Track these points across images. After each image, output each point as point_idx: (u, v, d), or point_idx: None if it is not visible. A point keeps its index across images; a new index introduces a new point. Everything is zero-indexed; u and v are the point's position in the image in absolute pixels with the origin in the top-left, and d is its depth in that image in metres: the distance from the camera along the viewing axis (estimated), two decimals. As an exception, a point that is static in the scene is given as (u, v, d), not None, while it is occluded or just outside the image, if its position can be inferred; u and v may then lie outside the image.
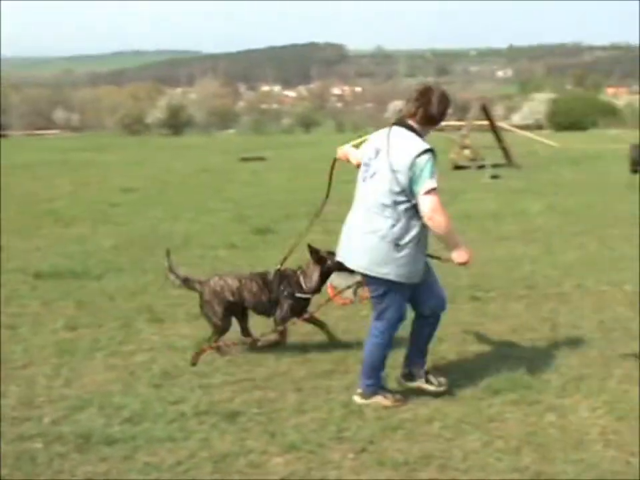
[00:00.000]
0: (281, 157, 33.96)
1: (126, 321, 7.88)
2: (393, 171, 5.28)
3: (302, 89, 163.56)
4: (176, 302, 8.55)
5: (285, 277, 6.75)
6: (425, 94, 5.45)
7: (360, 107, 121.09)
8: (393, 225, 5.33)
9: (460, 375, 6.21)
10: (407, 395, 5.79)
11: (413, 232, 5.36)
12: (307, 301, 6.72)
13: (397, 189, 5.27)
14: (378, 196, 5.37)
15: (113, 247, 12.05)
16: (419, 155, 5.22)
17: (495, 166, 24.93)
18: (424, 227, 5.38)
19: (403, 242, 5.33)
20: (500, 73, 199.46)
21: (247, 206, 16.72)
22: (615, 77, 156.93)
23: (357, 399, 5.64)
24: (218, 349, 6.69)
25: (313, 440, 5.01)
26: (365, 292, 5.96)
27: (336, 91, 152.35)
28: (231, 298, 6.76)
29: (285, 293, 6.67)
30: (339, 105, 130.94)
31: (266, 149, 37.60)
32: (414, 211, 5.32)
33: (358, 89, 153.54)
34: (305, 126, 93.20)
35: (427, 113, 5.42)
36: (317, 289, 6.70)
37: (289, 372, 6.28)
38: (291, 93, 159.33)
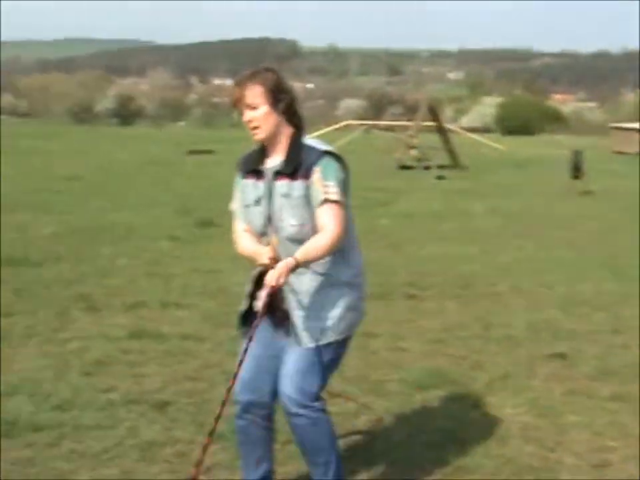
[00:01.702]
0: (229, 150, 33.79)
1: (62, 309, 7.86)
2: None
3: (237, 78, 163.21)
4: (113, 292, 8.57)
5: None
6: None
7: (311, 103, 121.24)
8: None
9: (389, 370, 6.32)
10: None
11: None
12: None
13: None
14: None
15: (53, 235, 11.97)
16: None
17: (440, 167, 25.24)
18: None
19: None
20: (451, 75, 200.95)
21: (192, 198, 16.69)
22: (562, 83, 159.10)
23: None
24: None
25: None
26: None
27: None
28: None
29: None
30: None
31: (215, 142, 37.46)
32: None
33: (310, 86, 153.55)
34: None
35: None
36: None
37: (221, 364, 6.32)
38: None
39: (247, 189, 4.02)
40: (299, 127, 3.96)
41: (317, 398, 3.93)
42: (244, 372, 4.02)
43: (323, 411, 3.95)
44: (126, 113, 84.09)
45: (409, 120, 40.85)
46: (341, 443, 4.94)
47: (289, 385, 3.90)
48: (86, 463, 4.61)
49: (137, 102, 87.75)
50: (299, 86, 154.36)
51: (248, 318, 4.06)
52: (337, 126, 38.17)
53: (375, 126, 44.74)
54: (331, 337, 3.92)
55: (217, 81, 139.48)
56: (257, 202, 3.97)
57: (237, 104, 3.94)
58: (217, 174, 22.89)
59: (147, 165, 25.06)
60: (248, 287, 4.10)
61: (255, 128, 3.86)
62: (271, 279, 3.76)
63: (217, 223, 13.26)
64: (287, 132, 3.92)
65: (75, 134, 45.41)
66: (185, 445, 4.91)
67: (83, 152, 29.84)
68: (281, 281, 3.76)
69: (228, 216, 13.91)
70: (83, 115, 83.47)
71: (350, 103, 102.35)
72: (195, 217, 13.93)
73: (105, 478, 4.48)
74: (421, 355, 6.73)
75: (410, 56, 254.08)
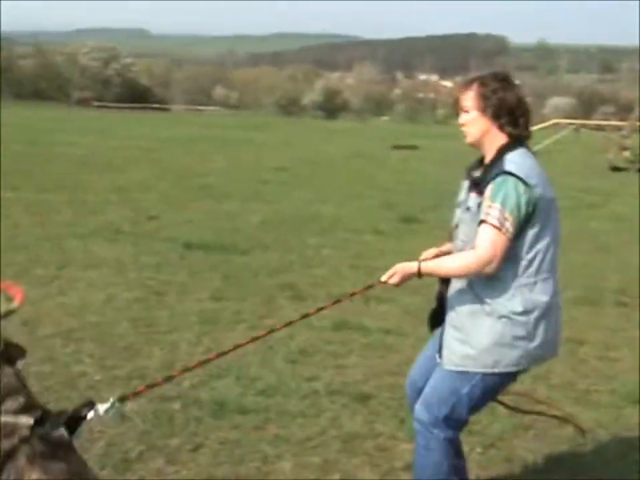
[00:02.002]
0: (433, 146, 33.77)
1: (268, 297, 8.06)
2: None
3: (459, 80, 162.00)
4: (318, 282, 8.71)
5: None
6: None
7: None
8: None
9: (598, 379, 6.07)
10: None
11: None
12: None
13: None
14: None
15: (261, 224, 12.32)
16: None
17: (656, 170, 24.07)
18: None
19: None
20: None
21: (396, 193, 16.74)
22: None
23: None
24: None
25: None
26: None
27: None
28: None
29: None
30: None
31: (419, 137, 37.46)
32: None
33: (517, 83, 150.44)
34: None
35: None
36: None
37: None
38: (447, 83, 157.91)
39: (460, 189, 3.89)
40: (513, 138, 3.64)
41: (439, 424, 3.69)
42: (411, 370, 4.03)
43: (440, 439, 3.70)
44: (331, 107, 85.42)
45: (621, 120, 39.24)
46: (544, 452, 4.80)
47: (421, 398, 3.79)
48: (290, 449, 4.70)
49: (342, 96, 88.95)
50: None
51: (437, 318, 3.94)
52: (545, 124, 37.13)
53: (584, 125, 43.29)
54: (471, 367, 3.62)
55: (422, 76, 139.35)
56: (458, 205, 3.84)
57: (455, 105, 3.85)
58: (420, 170, 22.92)
59: (351, 158, 25.37)
60: (437, 287, 3.98)
61: (466, 131, 3.73)
62: (384, 275, 3.74)
63: (420, 219, 13.24)
64: (498, 141, 3.64)
65: (283, 126, 46.68)
66: (386, 438, 4.91)
67: (290, 144, 30.62)
68: (392, 280, 3.73)
69: (431, 212, 13.94)
70: (290, 107, 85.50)
71: (558, 101, 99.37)
72: (398, 212, 13.95)
73: (308, 465, 4.54)
74: (633, 367, 6.41)
75: (624, 53, 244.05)
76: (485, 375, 3.61)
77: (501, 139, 3.64)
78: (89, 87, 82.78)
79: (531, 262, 3.55)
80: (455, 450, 3.78)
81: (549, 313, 3.60)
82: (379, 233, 12.09)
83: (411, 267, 3.71)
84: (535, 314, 3.56)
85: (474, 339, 3.60)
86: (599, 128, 41.58)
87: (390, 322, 7.33)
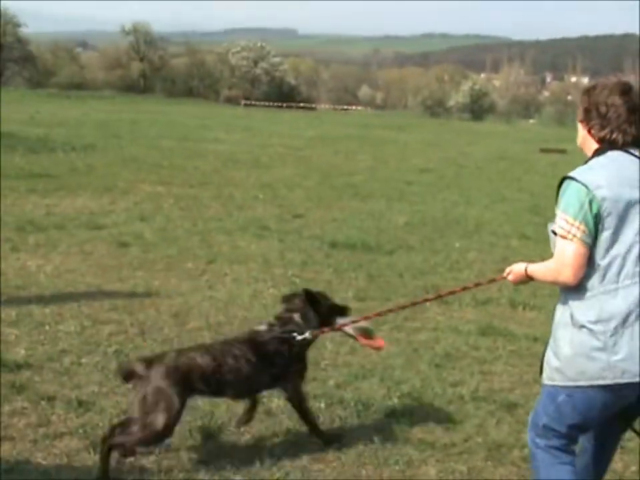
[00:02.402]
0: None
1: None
2: None
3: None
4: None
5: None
6: None
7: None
8: None
9: None
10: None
11: None
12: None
13: None
14: None
15: (405, 225, 12.27)
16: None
17: None
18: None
19: None
20: None
21: (543, 198, 16.34)
22: None
23: None
24: None
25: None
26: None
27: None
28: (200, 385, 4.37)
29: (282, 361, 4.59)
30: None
31: (567, 141, 36.49)
32: None
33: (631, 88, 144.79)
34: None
35: None
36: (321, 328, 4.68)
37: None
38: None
39: None
40: (603, 142, 3.55)
41: (540, 433, 3.63)
42: None
43: (543, 448, 3.62)
44: (478, 108, 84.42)
45: None
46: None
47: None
48: (435, 454, 4.64)
49: (489, 97, 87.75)
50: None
51: None
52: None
53: None
54: (558, 380, 3.51)
55: (572, 79, 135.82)
56: None
57: None
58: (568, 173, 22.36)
59: (497, 161, 25.00)
60: None
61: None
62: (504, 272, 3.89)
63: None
64: (591, 147, 3.62)
65: (428, 127, 46.44)
66: (533, 450, 4.78)
67: (435, 145, 30.44)
68: (509, 277, 3.86)
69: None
70: (436, 108, 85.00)
71: None
72: (545, 217, 13.56)
73: (453, 472, 4.48)
74: None
75: None
76: (573, 387, 3.47)
77: (592, 144, 3.60)
78: (237, 86, 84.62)
79: (608, 268, 3.40)
80: (565, 465, 3.64)
81: (634, 322, 3.38)
82: (526, 237, 11.84)
83: (520, 267, 3.77)
84: (613, 323, 3.38)
85: (560, 350, 3.51)
86: None
87: (537, 329, 7.13)
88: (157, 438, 4.18)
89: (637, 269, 3.40)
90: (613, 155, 3.52)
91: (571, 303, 3.50)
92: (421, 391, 5.53)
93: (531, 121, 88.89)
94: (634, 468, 4.64)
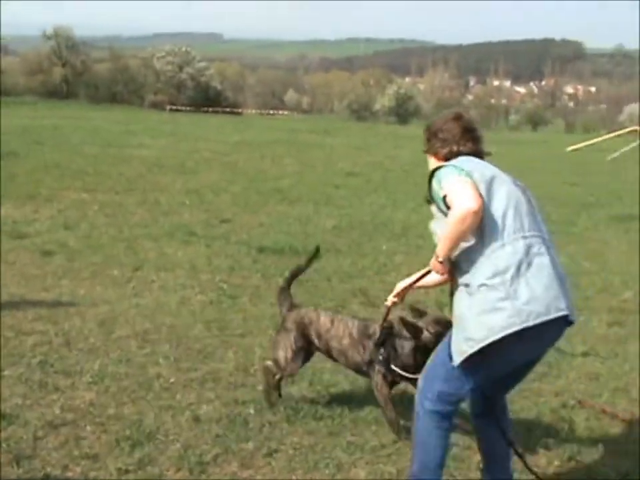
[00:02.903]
0: (506, 153, 33.36)
1: (341, 302, 8.04)
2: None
3: (533, 86, 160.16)
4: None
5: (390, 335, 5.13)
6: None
7: (593, 107, 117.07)
8: None
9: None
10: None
11: None
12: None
13: None
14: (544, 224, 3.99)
15: (333, 229, 12.31)
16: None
17: None
18: None
19: None
20: None
21: (468, 199, 16.57)
22: None
23: None
24: None
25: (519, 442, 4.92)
26: None
27: (569, 89, 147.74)
28: (315, 339, 5.36)
29: (380, 358, 5.08)
30: (571, 104, 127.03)
31: (491, 144, 36.99)
32: None
33: (592, 89, 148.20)
34: (532, 124, 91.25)
35: None
36: (412, 368, 4.98)
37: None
38: (521, 89, 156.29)
39: None
40: (452, 156, 4.10)
41: (432, 399, 3.94)
42: None
43: (428, 413, 3.95)
44: (403, 112, 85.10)
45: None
46: (624, 466, 4.66)
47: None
48: (364, 457, 4.67)
49: (414, 101, 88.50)
50: (581, 89, 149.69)
51: None
52: (621, 132, 36.50)
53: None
54: (468, 349, 3.70)
55: (495, 82, 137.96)
56: None
57: None
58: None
59: (423, 164, 25.13)
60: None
61: None
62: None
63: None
64: None
65: (354, 131, 46.66)
66: (461, 449, 4.83)
67: (362, 149, 30.58)
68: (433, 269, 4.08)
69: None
70: (362, 112, 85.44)
71: (635, 108, 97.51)
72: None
73: (382, 473, 4.50)
74: None
75: None
76: (482, 352, 3.65)
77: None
78: (163, 91, 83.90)
79: (491, 231, 3.71)
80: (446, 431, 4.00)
81: (527, 270, 3.66)
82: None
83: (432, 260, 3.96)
84: (509, 273, 3.65)
85: (464, 322, 3.74)
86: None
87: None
88: None
89: (518, 225, 3.73)
90: (470, 157, 4.02)
91: (463, 277, 3.78)
92: (350, 395, 5.55)
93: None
94: (556, 462, 4.73)
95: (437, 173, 3.88)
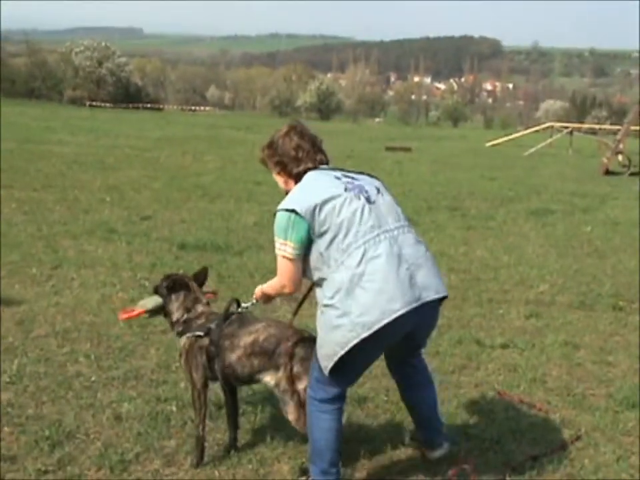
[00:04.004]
0: (427, 149, 33.78)
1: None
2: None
3: (453, 82, 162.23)
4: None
5: None
6: None
7: (511, 104, 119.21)
8: None
9: (594, 383, 6.06)
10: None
11: None
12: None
13: None
14: (400, 214, 4.15)
15: (255, 225, 12.29)
16: None
17: (649, 174, 24.13)
18: None
19: None
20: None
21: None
22: None
23: None
24: None
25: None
26: None
27: (487, 86, 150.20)
28: None
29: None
30: (490, 100, 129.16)
31: (412, 139, 37.46)
32: None
33: (510, 86, 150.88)
34: (453, 119, 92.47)
35: None
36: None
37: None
38: (441, 85, 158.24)
39: None
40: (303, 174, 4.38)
41: (314, 387, 4.12)
42: None
43: (313, 402, 4.13)
44: (325, 108, 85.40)
45: (613, 124, 39.33)
46: (540, 457, 4.77)
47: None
48: (287, 452, 4.68)
49: (336, 97, 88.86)
50: (499, 85, 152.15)
51: None
52: (538, 127, 37.23)
53: (577, 129, 43.39)
54: (327, 362, 3.95)
55: (415, 79, 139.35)
56: None
57: None
58: (412, 171, 22.94)
59: (346, 160, 25.33)
60: None
61: None
62: None
63: (415, 221, 13.21)
64: (294, 184, 4.43)
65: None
66: (380, 443, 4.88)
67: (284, 145, 30.54)
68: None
69: (425, 215, 13.80)
70: (284, 108, 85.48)
71: (551, 105, 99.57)
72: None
73: (305, 468, 4.53)
74: (630, 371, 6.39)
75: (618, 57, 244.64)
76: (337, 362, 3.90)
77: (293, 183, 4.38)
78: (82, 86, 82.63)
79: (329, 253, 3.93)
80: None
81: (357, 283, 3.84)
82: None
83: (258, 288, 4.44)
84: (343, 291, 3.85)
85: (319, 341, 4.00)
86: (593, 132, 41.69)
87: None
88: None
89: (351, 239, 3.90)
90: (310, 175, 4.25)
91: (319, 301, 3.99)
92: (271, 391, 5.54)
93: (377, 119, 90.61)
94: (476, 452, 4.81)
95: (275, 219, 4.10)
